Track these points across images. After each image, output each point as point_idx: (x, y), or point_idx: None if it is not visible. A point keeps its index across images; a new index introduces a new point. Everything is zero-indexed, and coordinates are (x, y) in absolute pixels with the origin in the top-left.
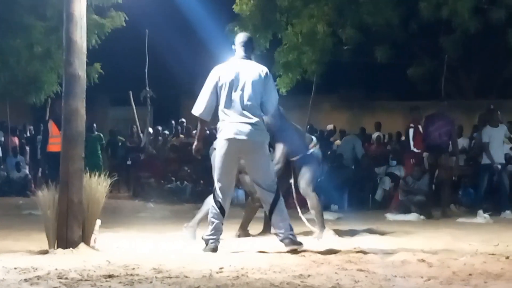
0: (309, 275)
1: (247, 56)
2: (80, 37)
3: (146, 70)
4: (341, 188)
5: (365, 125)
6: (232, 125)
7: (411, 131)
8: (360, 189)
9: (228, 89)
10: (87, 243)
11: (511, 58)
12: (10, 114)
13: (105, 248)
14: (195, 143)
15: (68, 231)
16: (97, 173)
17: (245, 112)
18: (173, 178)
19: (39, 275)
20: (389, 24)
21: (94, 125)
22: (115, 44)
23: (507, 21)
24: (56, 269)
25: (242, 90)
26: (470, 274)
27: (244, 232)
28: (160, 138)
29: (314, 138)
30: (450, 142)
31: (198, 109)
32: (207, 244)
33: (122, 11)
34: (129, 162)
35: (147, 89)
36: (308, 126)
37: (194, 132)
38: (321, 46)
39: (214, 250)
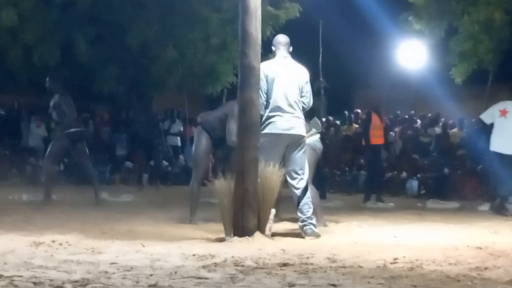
0: (485, 268)
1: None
2: (255, 28)
3: (320, 61)
4: None
5: None
6: None
7: None
8: None
9: None
10: (262, 231)
11: None
12: (187, 104)
13: (279, 237)
14: None
15: (244, 219)
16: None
17: None
18: (346, 168)
19: (216, 262)
20: None
21: None
22: (288, 35)
23: None
24: (232, 256)
25: None
26: None
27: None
28: (332, 128)
29: None
30: None
31: None
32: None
33: (296, 2)
34: None
35: (321, 79)
36: None
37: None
38: (498, 35)
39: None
